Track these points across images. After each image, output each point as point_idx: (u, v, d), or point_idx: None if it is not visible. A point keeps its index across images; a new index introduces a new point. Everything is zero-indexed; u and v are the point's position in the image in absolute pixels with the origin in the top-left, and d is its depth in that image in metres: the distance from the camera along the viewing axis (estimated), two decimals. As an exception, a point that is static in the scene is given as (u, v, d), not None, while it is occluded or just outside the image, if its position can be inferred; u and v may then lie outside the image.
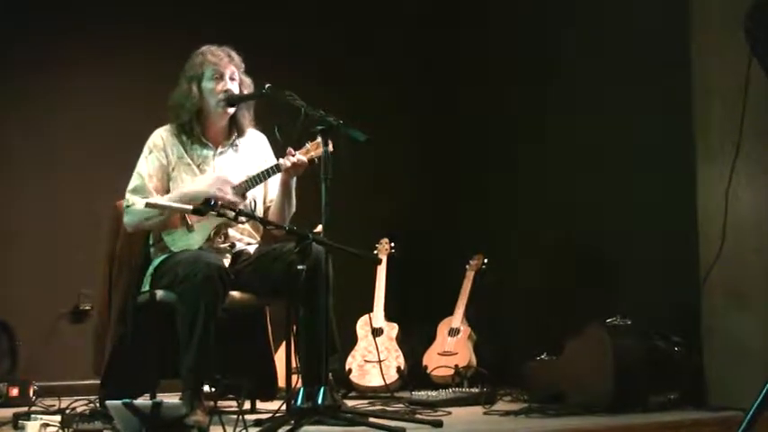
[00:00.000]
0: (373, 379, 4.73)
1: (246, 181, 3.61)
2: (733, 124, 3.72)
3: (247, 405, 3.86)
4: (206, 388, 3.57)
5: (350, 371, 4.79)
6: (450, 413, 3.72)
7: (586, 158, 4.75)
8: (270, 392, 3.95)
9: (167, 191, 3.66)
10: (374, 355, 4.69)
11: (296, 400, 3.28)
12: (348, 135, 3.38)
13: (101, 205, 4.11)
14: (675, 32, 4.15)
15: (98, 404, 3.49)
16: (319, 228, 3.44)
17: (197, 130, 3.72)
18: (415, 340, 5.03)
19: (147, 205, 3.51)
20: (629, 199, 4.49)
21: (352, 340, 4.89)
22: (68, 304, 4.90)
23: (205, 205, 3.28)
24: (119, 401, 2.96)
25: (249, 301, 3.70)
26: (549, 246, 5.02)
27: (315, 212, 3.38)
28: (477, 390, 4.24)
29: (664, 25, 4.30)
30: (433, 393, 4.18)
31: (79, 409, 3.39)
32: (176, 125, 3.73)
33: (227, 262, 3.61)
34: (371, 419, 3.28)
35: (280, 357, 3.91)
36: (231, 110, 3.71)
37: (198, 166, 3.70)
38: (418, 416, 3.56)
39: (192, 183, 3.64)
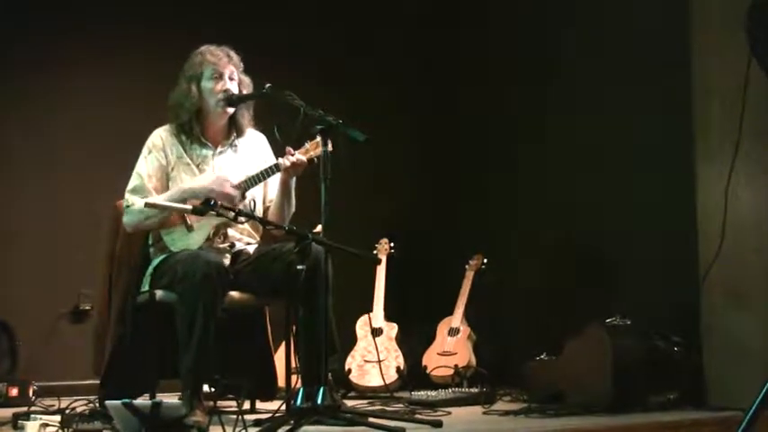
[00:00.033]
0: (373, 379, 4.73)
1: (246, 180, 3.61)
2: (732, 124, 3.72)
3: (247, 405, 3.86)
4: (205, 388, 3.57)
5: (349, 371, 4.79)
6: (449, 413, 3.72)
7: (586, 158, 4.75)
8: (269, 392, 3.95)
9: (167, 191, 3.65)
10: (374, 355, 4.69)
11: (295, 400, 3.28)
12: (348, 135, 3.37)
13: (101, 205, 4.11)
14: (675, 32, 4.15)
15: (98, 404, 3.49)
16: (319, 228, 3.44)
17: (196, 130, 3.72)
18: (414, 340, 5.03)
19: (147, 205, 3.51)
20: (629, 199, 4.49)
21: (351, 340, 4.89)
22: (68, 304, 4.90)
23: (205, 205, 3.28)
24: (118, 401, 2.96)
25: (248, 301, 3.70)
26: (548, 246, 5.02)
27: (314, 212, 3.38)
28: (476, 390, 4.24)
29: (664, 25, 4.30)
30: (433, 393, 4.19)
31: (79, 410, 3.39)
32: (175, 125, 3.73)
33: (226, 262, 3.61)
34: (371, 419, 3.28)
35: (279, 357, 3.91)
36: (230, 110, 3.71)
37: (197, 166, 3.70)
38: (418, 416, 3.55)
39: (191, 181, 3.64)
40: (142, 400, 3.04)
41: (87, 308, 4.84)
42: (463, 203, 5.59)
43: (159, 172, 3.67)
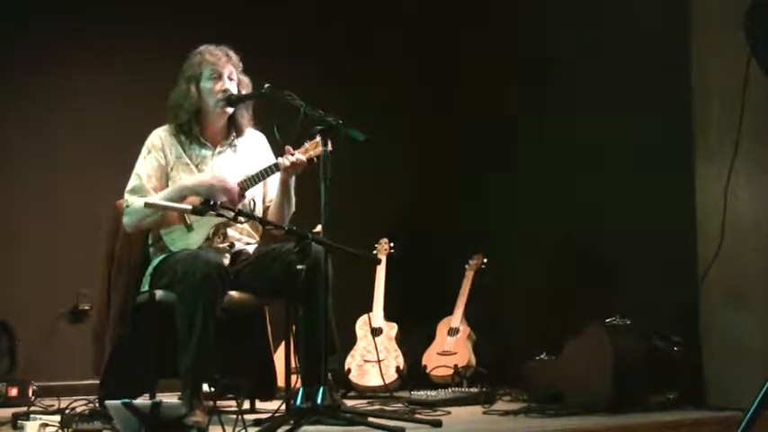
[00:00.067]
0: (372, 379, 4.73)
1: (245, 180, 3.61)
2: (732, 124, 3.72)
3: (247, 405, 3.86)
4: (205, 388, 3.56)
5: (349, 371, 4.79)
6: (449, 413, 3.72)
7: (586, 158, 4.75)
8: (269, 392, 3.95)
9: (166, 191, 3.66)
10: (373, 355, 4.69)
11: (295, 400, 3.28)
12: (347, 135, 3.37)
13: (101, 205, 4.11)
14: (675, 32, 4.15)
15: (97, 404, 3.49)
16: (319, 227, 3.44)
17: (195, 130, 3.72)
18: (414, 340, 5.03)
19: (147, 205, 3.50)
20: (629, 199, 4.49)
21: (351, 340, 4.89)
22: (68, 304, 4.90)
23: (204, 205, 3.28)
24: (118, 401, 2.96)
25: (248, 301, 3.70)
26: (548, 246, 5.02)
27: (314, 212, 3.38)
28: (476, 389, 4.24)
29: (664, 25, 4.30)
30: (433, 393, 4.19)
31: (78, 409, 3.39)
32: (175, 125, 3.73)
33: (226, 262, 3.61)
34: (371, 419, 3.28)
35: (279, 357, 3.91)
36: (230, 110, 3.71)
37: (196, 166, 3.70)
38: (417, 416, 3.55)
39: (189, 178, 3.64)
40: (142, 400, 3.04)
41: (87, 308, 4.84)
42: (463, 203, 5.59)
43: (158, 172, 3.67)
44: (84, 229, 4.72)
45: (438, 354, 4.90)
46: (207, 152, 3.73)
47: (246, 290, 3.65)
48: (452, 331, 4.96)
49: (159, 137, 3.72)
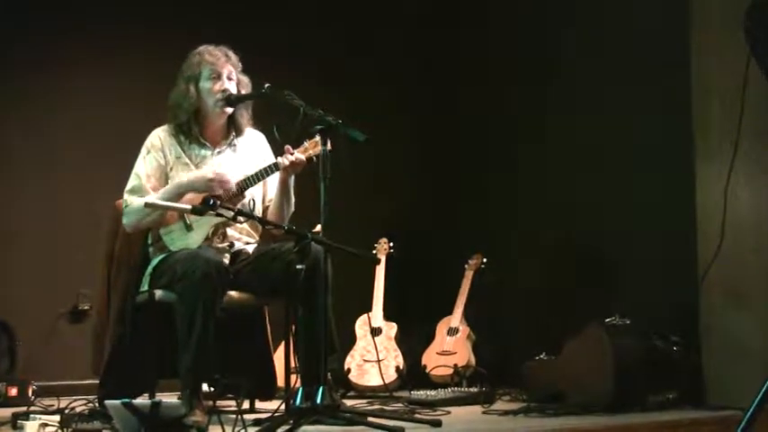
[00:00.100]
0: (372, 378, 4.73)
1: (245, 179, 3.61)
2: (732, 124, 3.72)
3: (246, 405, 3.86)
4: (205, 387, 3.56)
5: (349, 370, 4.79)
6: (449, 413, 3.72)
7: (586, 158, 4.75)
8: (269, 392, 3.96)
9: (165, 190, 3.66)
10: (373, 355, 4.69)
11: (295, 400, 3.28)
12: (347, 135, 3.37)
13: (101, 205, 4.11)
14: (675, 32, 4.15)
15: (97, 404, 3.50)
16: (318, 227, 3.44)
17: (195, 130, 3.72)
18: (413, 340, 5.03)
19: (146, 205, 3.50)
20: (629, 199, 4.49)
21: (350, 340, 4.89)
22: (67, 304, 4.90)
23: (204, 204, 3.28)
24: (118, 401, 2.96)
25: (248, 301, 3.70)
26: (548, 246, 5.02)
27: (314, 212, 3.38)
28: (476, 389, 4.24)
29: (664, 25, 4.30)
30: (432, 393, 4.19)
31: (78, 409, 3.40)
32: (174, 125, 3.73)
33: (225, 261, 3.61)
34: (370, 419, 3.28)
35: (279, 357, 3.91)
36: (229, 110, 3.71)
37: (196, 166, 3.70)
38: (417, 415, 3.55)
39: (186, 175, 3.64)
40: (141, 400, 3.04)
41: (86, 308, 4.84)
42: (463, 203, 5.59)
43: (158, 172, 3.67)
44: (84, 229, 4.72)
45: (438, 353, 4.90)
46: (206, 152, 3.73)
47: (246, 289, 3.65)
48: (452, 331, 4.96)
49: (159, 137, 3.72)
